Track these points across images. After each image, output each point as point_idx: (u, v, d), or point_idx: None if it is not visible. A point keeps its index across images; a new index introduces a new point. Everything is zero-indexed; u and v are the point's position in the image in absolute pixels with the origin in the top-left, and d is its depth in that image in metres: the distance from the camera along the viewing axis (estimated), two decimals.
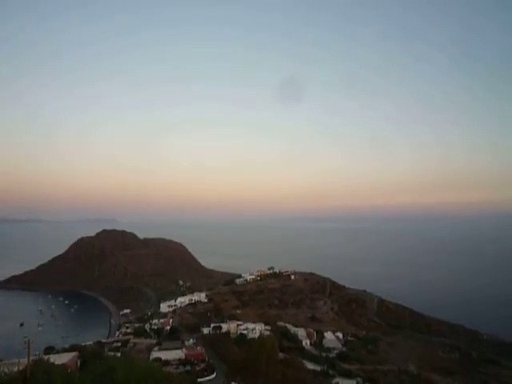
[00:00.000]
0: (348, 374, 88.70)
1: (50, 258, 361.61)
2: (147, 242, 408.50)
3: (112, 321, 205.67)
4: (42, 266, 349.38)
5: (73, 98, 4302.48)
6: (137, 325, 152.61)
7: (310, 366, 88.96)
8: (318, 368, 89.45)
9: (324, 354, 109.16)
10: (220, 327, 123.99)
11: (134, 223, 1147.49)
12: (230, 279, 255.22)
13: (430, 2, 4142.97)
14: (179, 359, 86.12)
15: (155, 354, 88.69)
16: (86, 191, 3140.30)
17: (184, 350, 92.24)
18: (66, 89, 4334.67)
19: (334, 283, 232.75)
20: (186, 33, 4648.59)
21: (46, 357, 57.09)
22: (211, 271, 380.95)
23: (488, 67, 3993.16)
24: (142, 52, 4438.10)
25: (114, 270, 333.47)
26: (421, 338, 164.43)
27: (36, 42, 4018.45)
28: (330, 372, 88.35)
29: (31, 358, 39.32)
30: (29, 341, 42.18)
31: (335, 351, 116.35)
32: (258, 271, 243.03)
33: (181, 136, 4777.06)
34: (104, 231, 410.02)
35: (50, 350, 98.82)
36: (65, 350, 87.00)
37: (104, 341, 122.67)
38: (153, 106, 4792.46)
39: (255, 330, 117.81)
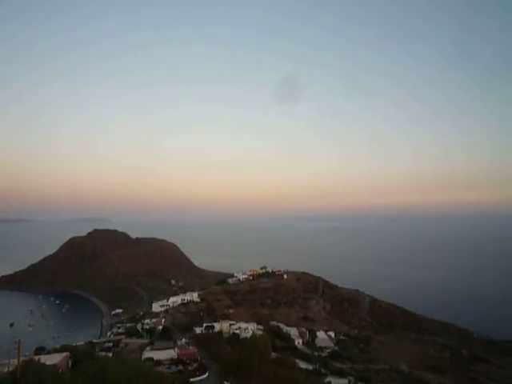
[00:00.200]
0: (340, 373, 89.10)
1: (40, 258, 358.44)
2: (139, 242, 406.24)
3: (103, 321, 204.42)
4: (33, 265, 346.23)
5: (73, 98, 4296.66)
6: (128, 325, 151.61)
7: (303, 365, 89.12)
8: (311, 367, 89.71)
9: (316, 353, 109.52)
10: (212, 327, 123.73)
11: (127, 223, 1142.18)
12: (222, 279, 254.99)
13: (428, 3, 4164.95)
14: (171, 359, 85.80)
15: (147, 354, 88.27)
16: (78, 191, 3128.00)
17: (176, 349, 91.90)
18: (67, 89, 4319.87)
19: (326, 282, 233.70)
20: (186, 33, 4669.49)
21: (36, 357, 56.62)
22: (204, 271, 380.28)
23: (487, 67, 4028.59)
24: (142, 53, 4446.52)
25: (105, 270, 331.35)
26: (412, 336, 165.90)
27: (36, 42, 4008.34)
28: (323, 371, 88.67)
29: (21, 358, 38.94)
30: (19, 341, 41.72)
31: (327, 350, 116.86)
32: (250, 271, 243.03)
33: (178, 136, 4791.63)
34: (96, 231, 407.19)
35: (40, 350, 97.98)
36: (56, 351, 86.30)
37: (95, 341, 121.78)
38: (151, 107, 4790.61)
39: (248, 329, 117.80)
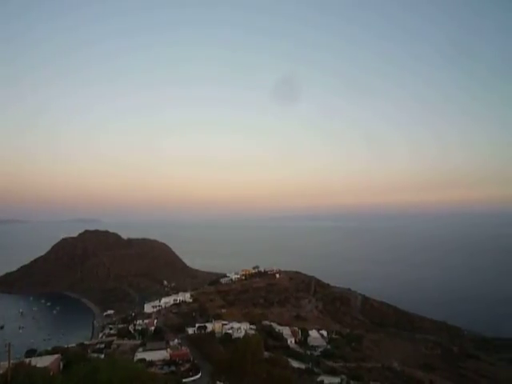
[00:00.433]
0: (332, 372, 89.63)
1: (31, 260, 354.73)
2: (131, 243, 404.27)
3: (95, 322, 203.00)
4: (23, 267, 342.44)
5: (74, 99, 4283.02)
6: (120, 326, 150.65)
7: (295, 364, 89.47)
8: (303, 366, 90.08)
9: (309, 352, 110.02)
10: (205, 327, 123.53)
11: (121, 223, 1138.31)
12: (215, 279, 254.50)
13: (427, 3, 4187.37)
14: (164, 360, 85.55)
15: (139, 355, 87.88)
16: (73, 191, 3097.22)
17: (169, 350, 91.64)
18: (68, 89, 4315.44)
19: (318, 282, 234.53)
20: (186, 35, 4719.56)
21: (27, 360, 56.10)
22: (196, 271, 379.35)
23: (486, 67, 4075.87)
24: (142, 54, 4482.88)
25: (96, 271, 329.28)
26: (404, 335, 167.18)
27: (38, 42, 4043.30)
28: (315, 370, 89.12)
29: (12, 361, 38.61)
30: (9, 344, 41.42)
31: (320, 349, 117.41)
32: (243, 270, 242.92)
33: (177, 136, 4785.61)
34: (87, 232, 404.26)
35: (31, 352, 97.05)
36: (47, 353, 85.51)
37: (87, 342, 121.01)
38: (151, 107, 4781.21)
39: (240, 329, 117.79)
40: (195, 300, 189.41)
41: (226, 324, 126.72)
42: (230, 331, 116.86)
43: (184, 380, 71.84)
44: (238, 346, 59.59)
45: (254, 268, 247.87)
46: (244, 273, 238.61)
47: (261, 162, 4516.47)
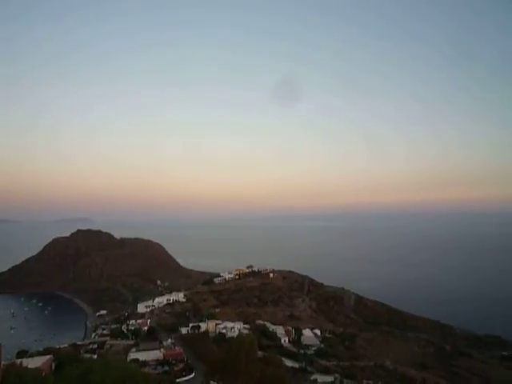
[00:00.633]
0: (326, 371, 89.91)
1: (23, 259, 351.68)
2: (124, 242, 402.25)
3: (88, 322, 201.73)
4: (15, 267, 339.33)
5: (74, 99, 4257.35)
6: (113, 326, 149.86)
7: (289, 363, 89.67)
8: (297, 365, 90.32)
9: (302, 351, 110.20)
10: (198, 327, 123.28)
11: (115, 223, 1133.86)
12: (208, 279, 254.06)
13: (425, 3, 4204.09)
14: (157, 360, 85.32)
15: (133, 355, 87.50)
16: (63, 191, 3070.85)
17: (162, 350, 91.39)
18: (68, 90, 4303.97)
19: (312, 281, 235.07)
20: (186, 35, 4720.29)
21: (18, 361, 55.66)
22: (190, 271, 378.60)
23: (485, 67, 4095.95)
24: (142, 54, 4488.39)
25: (89, 271, 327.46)
26: (397, 333, 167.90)
27: (38, 43, 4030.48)
28: (309, 369, 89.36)
29: (3, 362, 38.20)
30: (0, 345, 40.91)
31: (313, 348, 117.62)
32: (236, 270, 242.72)
33: (177, 137, 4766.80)
34: (79, 231, 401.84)
35: (22, 353, 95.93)
36: (38, 354, 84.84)
37: (79, 343, 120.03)
38: (151, 108, 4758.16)
39: (234, 328, 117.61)
40: (189, 300, 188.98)
41: (219, 324, 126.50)
42: (224, 331, 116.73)
43: (177, 380, 71.73)
44: (232, 346, 59.48)
45: (247, 267, 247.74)
46: (238, 272, 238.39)
47: (260, 162, 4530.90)
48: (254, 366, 54.44)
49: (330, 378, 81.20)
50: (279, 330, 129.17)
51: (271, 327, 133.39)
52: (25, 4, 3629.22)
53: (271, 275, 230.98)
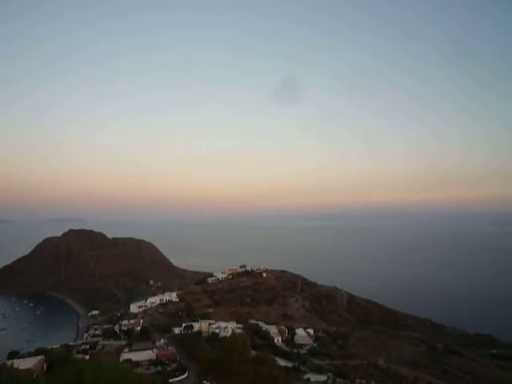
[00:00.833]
0: (319, 370, 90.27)
1: (14, 259, 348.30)
2: (116, 242, 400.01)
3: (80, 323, 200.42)
4: (5, 267, 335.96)
5: (75, 99, 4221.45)
6: (106, 326, 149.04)
7: (282, 362, 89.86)
8: (290, 364, 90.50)
9: (295, 351, 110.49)
10: (191, 327, 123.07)
11: (110, 223, 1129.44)
12: (202, 278, 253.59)
13: (425, 3, 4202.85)
14: (150, 360, 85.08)
15: (125, 356, 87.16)
16: (60, 191, 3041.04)
17: (155, 350, 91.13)
18: (69, 90, 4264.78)
19: (305, 280, 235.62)
20: (186, 36, 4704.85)
21: (9, 362, 55.19)
22: (183, 271, 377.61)
23: (484, 65, 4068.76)
24: (142, 55, 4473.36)
25: (81, 271, 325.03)
26: (389, 332, 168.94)
27: (38, 42, 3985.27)
28: (302, 368, 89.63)
29: None
30: None
31: (306, 347, 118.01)
32: (230, 270, 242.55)
33: (175, 137, 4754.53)
34: (71, 231, 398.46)
35: (13, 354, 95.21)
36: (30, 355, 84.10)
37: (71, 343, 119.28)
38: (151, 109, 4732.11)
39: (227, 328, 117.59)
40: (182, 300, 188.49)
41: (212, 323, 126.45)
42: (217, 330, 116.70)
43: (170, 380, 71.64)
44: (225, 346, 59.49)
45: (241, 267, 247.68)
46: (231, 272, 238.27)
47: (260, 162, 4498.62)
48: (247, 365, 54.49)
49: (323, 377, 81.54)
50: (272, 330, 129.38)
51: (264, 327, 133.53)
52: (25, 4, 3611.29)
53: (264, 275, 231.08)
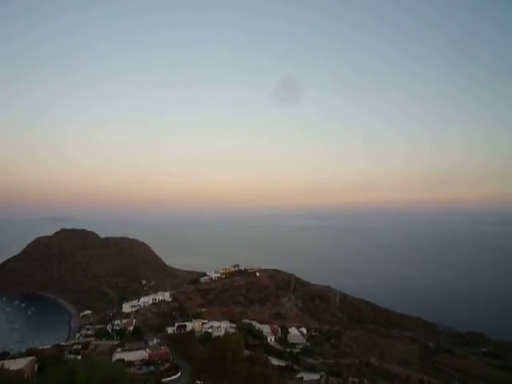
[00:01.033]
0: (312, 369, 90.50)
1: (4, 259, 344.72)
2: (109, 242, 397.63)
3: (72, 323, 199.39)
4: None
5: (75, 99, 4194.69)
6: (98, 326, 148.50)
7: (275, 361, 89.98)
8: (283, 363, 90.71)
9: (288, 350, 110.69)
10: (184, 326, 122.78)
11: (102, 222, 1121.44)
12: (195, 278, 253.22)
13: (425, 3, 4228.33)
14: (143, 360, 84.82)
15: (118, 356, 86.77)
16: (60, 190, 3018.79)
17: (148, 350, 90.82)
18: (69, 90, 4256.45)
19: (298, 279, 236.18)
20: (186, 36, 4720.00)
21: (0, 363, 54.61)
22: (176, 270, 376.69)
23: (484, 65, 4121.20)
24: (142, 55, 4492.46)
25: (73, 271, 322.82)
26: (382, 331, 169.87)
27: (38, 43, 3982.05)
28: (295, 367, 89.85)
29: None
30: None
31: (299, 346, 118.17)
32: (223, 269, 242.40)
33: (174, 137, 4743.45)
34: (63, 230, 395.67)
35: (4, 355, 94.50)
36: (21, 355, 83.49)
37: (63, 344, 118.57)
38: (151, 109, 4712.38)
39: (220, 328, 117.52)
40: (175, 299, 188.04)
41: (205, 323, 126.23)
42: (210, 330, 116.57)
43: (163, 380, 71.44)
44: (218, 345, 59.49)
45: (234, 266, 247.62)
46: (224, 271, 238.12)
47: (260, 162, 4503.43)
48: (241, 364, 54.53)
49: (315, 376, 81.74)
50: (266, 329, 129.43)
51: (258, 326, 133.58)
52: (25, 4, 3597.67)
53: (257, 274, 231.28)
